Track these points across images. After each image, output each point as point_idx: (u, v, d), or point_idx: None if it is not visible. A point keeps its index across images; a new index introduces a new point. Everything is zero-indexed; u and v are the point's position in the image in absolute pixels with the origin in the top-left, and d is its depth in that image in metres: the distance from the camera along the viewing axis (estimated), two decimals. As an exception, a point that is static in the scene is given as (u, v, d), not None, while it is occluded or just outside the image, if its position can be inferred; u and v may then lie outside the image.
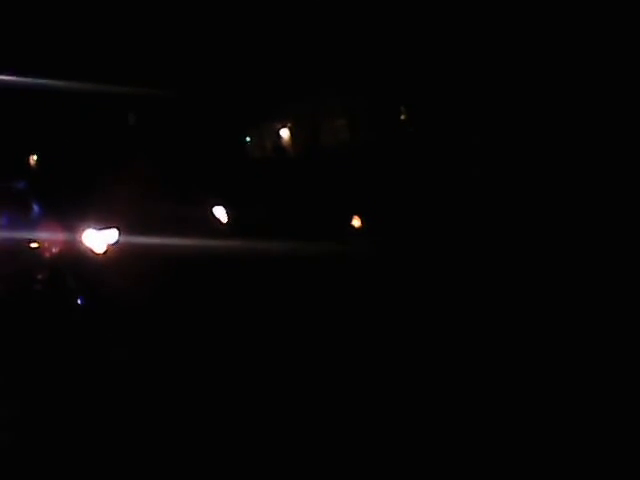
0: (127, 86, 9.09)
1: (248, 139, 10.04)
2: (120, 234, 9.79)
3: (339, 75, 8.64)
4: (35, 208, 10.01)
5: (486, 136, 8.69)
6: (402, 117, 8.84)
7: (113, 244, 9.76)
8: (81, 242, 9.80)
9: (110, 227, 9.80)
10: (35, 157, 9.97)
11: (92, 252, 9.78)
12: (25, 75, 8.97)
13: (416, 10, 8.33)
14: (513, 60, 8.46)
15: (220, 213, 10.14)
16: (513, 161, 8.63)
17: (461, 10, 8.39)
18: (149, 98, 9.28)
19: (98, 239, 9.78)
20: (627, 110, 8.34)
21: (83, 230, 9.82)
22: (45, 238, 9.82)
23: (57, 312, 9.31)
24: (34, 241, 9.83)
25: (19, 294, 9.56)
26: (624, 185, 8.15)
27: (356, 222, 9.55)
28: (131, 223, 9.77)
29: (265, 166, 9.94)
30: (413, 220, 9.02)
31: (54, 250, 9.85)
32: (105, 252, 9.78)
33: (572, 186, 8.47)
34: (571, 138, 8.52)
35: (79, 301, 9.53)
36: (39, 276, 9.80)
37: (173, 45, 9.08)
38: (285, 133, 9.96)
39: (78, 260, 9.77)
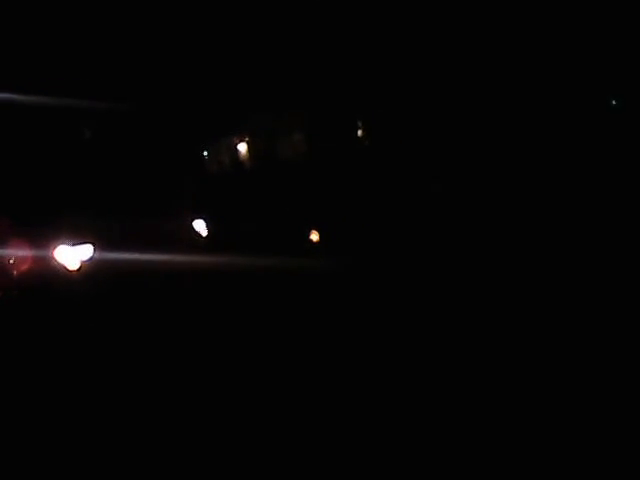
0: (81, 99, 8.49)
1: (205, 153, 9.94)
2: (95, 250, 9.59)
3: (296, 89, 8.65)
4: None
5: (446, 151, 8.87)
6: (359, 131, 8.92)
7: (87, 260, 9.57)
8: (53, 258, 9.47)
9: (84, 242, 9.55)
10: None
11: (65, 269, 9.52)
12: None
13: (373, 24, 8.46)
14: (470, 71, 8.72)
15: (200, 227, 10.21)
16: (474, 176, 8.87)
17: (418, 26, 8.55)
18: (104, 112, 8.72)
19: (71, 255, 9.52)
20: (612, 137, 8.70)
21: (54, 246, 9.47)
22: (11, 254, 9.31)
23: (24, 334, 9.12)
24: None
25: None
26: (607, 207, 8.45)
27: (314, 236, 10.19)
28: (106, 238, 9.61)
29: (223, 180, 10.14)
30: (371, 234, 9.54)
31: (22, 267, 9.40)
32: (79, 269, 9.56)
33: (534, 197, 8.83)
34: (531, 150, 8.82)
35: (50, 322, 9.37)
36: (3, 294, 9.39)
37: (129, 57, 8.50)
38: (242, 147, 9.75)
39: (49, 278, 9.47)
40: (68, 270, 9.54)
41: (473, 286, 8.07)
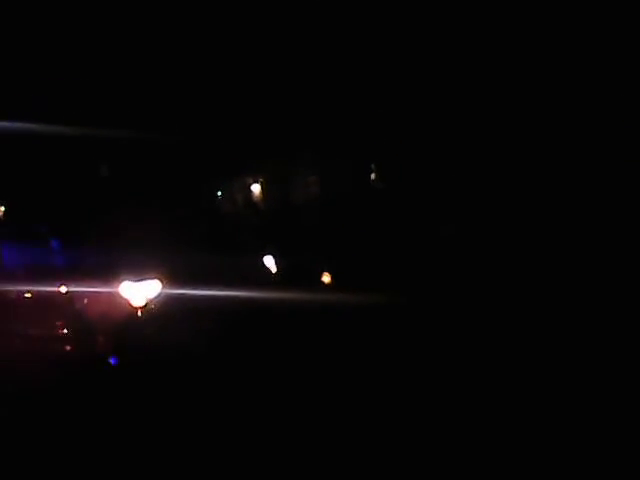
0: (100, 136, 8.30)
1: (219, 193, 9.77)
2: (163, 286, 8.96)
3: (311, 133, 8.52)
4: (59, 253, 8.88)
5: (457, 195, 8.75)
6: (372, 175, 8.82)
7: (155, 297, 8.95)
8: (117, 294, 8.89)
9: (151, 278, 8.94)
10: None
11: (130, 305, 8.92)
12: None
13: (387, 72, 8.31)
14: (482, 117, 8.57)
15: (270, 262, 9.56)
16: (485, 220, 8.72)
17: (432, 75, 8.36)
18: (124, 148, 8.57)
19: (137, 291, 8.92)
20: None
21: (119, 281, 8.89)
22: (74, 288, 8.77)
23: (85, 373, 8.50)
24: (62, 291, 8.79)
25: (44, 350, 8.63)
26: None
27: (326, 278, 9.56)
28: (173, 273, 8.98)
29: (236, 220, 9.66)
30: (383, 275, 9.00)
31: (85, 301, 8.85)
32: (145, 305, 8.94)
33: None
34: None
35: (112, 361, 8.76)
36: (66, 330, 8.84)
37: (149, 97, 8.37)
38: (256, 188, 9.74)
39: (113, 314, 8.88)
40: (133, 307, 8.93)
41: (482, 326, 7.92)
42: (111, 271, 8.85)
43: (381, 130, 8.56)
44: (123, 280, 8.90)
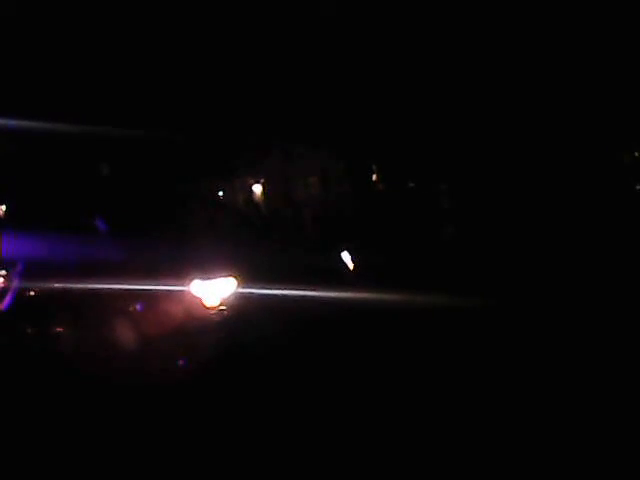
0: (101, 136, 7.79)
1: (221, 193, 9.25)
2: (238, 284, 7.99)
3: (312, 133, 8.13)
4: (121, 248, 7.97)
5: (458, 196, 8.50)
6: (373, 175, 8.48)
7: (229, 297, 7.99)
8: (188, 293, 7.94)
9: (224, 275, 7.97)
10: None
11: (203, 305, 7.97)
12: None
13: (387, 73, 8.05)
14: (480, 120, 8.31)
15: (347, 259, 8.57)
16: (487, 221, 8.38)
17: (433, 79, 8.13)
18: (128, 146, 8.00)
19: (210, 290, 7.97)
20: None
21: (190, 279, 7.95)
22: (138, 286, 7.84)
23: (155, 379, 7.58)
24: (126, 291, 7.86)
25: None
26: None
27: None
28: (249, 270, 8.02)
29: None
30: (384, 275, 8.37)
31: (150, 301, 7.92)
32: (219, 306, 7.97)
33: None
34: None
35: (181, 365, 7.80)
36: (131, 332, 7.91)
37: (150, 98, 7.99)
38: (257, 188, 9.21)
39: (183, 315, 7.93)
40: (206, 307, 7.97)
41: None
42: (180, 268, 7.90)
43: (383, 129, 8.28)
44: (194, 278, 7.95)
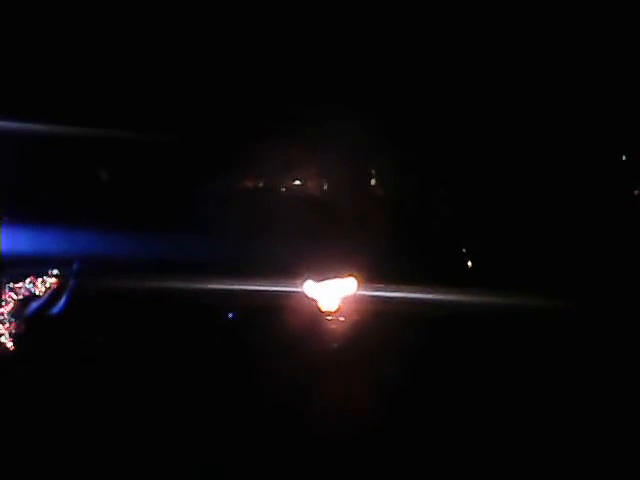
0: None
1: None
2: (359, 285, 6.86)
3: (311, 139, 7.46)
4: (221, 243, 6.97)
5: (456, 205, 7.76)
6: (372, 181, 7.70)
7: (348, 300, 6.89)
8: (301, 295, 6.87)
9: (343, 275, 6.85)
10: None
11: (318, 309, 6.89)
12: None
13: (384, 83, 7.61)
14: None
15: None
16: (490, 231, 7.60)
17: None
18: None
19: (328, 291, 6.88)
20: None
21: (302, 278, 6.88)
22: (241, 286, 6.82)
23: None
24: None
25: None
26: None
27: None
28: (371, 268, 6.90)
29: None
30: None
31: (256, 306, 6.89)
32: (338, 309, 6.87)
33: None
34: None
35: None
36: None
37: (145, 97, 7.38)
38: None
39: (294, 321, 6.88)
40: (322, 311, 6.88)
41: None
42: (291, 266, 6.85)
43: (383, 134, 7.66)
44: (307, 278, 6.87)
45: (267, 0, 7.33)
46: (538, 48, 7.48)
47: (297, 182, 7.36)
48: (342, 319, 6.97)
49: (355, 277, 6.91)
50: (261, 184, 7.27)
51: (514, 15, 7.44)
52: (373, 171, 7.65)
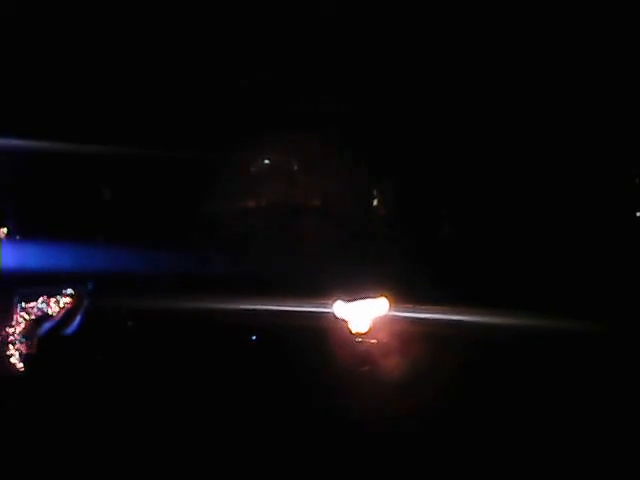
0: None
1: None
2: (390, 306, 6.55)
3: (312, 158, 7.40)
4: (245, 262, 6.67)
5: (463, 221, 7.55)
6: (375, 201, 7.56)
7: (380, 321, 6.58)
8: (332, 315, 6.56)
9: (374, 295, 6.55)
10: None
11: (348, 330, 6.57)
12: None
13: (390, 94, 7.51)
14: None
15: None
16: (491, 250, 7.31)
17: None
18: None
19: (358, 312, 6.57)
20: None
21: (332, 299, 6.57)
22: (267, 306, 6.52)
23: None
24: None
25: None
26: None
27: None
28: (402, 288, 6.61)
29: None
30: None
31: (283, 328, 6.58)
32: (369, 331, 6.56)
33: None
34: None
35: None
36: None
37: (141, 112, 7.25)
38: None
39: (324, 343, 6.57)
40: (352, 333, 6.57)
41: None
42: (319, 286, 6.54)
43: (384, 153, 7.52)
44: (337, 298, 6.56)
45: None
46: (544, 72, 7.34)
47: (325, 199, 7.05)
48: (373, 341, 6.64)
49: (387, 297, 6.58)
50: (290, 201, 6.94)
51: (519, 23, 7.27)
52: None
